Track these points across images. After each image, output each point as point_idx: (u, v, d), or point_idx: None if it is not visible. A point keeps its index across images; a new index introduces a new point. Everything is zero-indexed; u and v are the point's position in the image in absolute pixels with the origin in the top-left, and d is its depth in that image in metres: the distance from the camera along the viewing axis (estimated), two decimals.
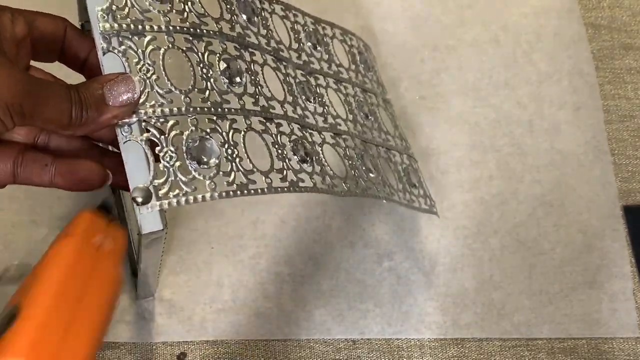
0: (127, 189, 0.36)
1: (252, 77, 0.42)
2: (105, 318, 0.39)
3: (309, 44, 0.50)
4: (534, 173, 0.62)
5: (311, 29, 0.51)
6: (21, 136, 0.39)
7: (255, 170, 0.39)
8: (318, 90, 0.49)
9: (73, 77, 0.39)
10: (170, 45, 0.39)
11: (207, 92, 0.39)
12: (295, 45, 0.48)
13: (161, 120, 0.37)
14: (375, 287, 0.56)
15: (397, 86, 0.64)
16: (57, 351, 0.33)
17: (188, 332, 0.53)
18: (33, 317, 0.34)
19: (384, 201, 0.49)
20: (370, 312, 0.55)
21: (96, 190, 0.39)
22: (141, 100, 0.36)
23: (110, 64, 0.37)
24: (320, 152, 0.45)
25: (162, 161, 0.36)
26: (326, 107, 0.48)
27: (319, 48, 0.51)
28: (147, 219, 0.36)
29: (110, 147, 0.42)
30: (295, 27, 0.49)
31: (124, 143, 0.36)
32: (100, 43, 0.37)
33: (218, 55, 0.41)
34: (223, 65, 0.41)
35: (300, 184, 0.41)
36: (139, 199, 0.35)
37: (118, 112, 0.35)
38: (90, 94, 0.35)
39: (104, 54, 0.37)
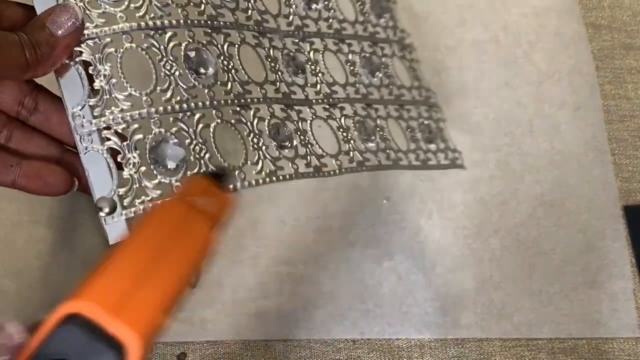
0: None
1: (225, 63, 0.40)
2: (188, 276, 0.39)
3: (303, 3, 0.47)
4: (534, 173, 0.62)
5: None
6: None
7: (227, 164, 0.38)
8: (312, 57, 0.46)
9: None
10: (129, 46, 0.37)
11: (171, 90, 0.37)
12: (285, 10, 0.46)
13: (122, 126, 0.36)
14: (375, 287, 0.56)
15: None
16: (129, 298, 0.33)
17: (188, 332, 0.53)
18: (112, 262, 0.34)
19: (389, 170, 0.47)
20: (370, 312, 0.55)
21: (61, 195, 0.40)
22: (99, 109, 0.36)
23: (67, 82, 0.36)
24: (309, 129, 0.43)
25: (125, 169, 0.35)
26: (320, 76, 0.46)
27: (315, 6, 0.48)
28: (114, 228, 0.35)
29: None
30: None
31: (84, 154, 0.35)
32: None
33: (184, 45, 0.38)
34: (190, 55, 0.39)
35: (279, 173, 0.40)
36: (105, 210, 0.34)
37: (69, 41, 0.36)
38: (36, 32, 0.35)
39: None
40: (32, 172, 0.39)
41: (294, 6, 0.46)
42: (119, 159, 0.36)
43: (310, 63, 0.46)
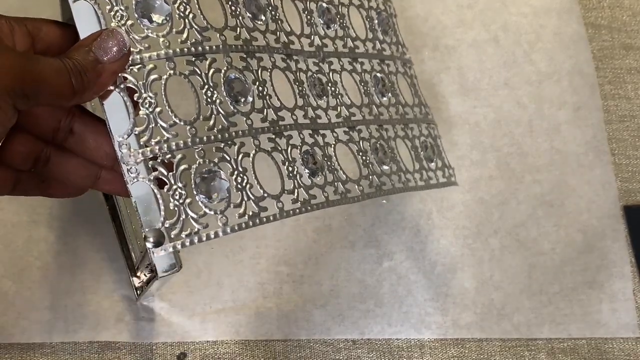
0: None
1: (260, 89, 0.40)
2: None
3: (322, 22, 0.47)
4: (534, 173, 0.62)
5: (325, 7, 0.48)
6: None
7: (266, 195, 0.38)
8: (332, 78, 0.46)
9: None
10: (172, 72, 0.36)
11: (213, 118, 0.37)
12: (307, 30, 0.46)
13: (167, 155, 0.36)
14: (375, 287, 0.56)
15: None
16: None
17: (188, 332, 0.53)
18: None
19: (397, 193, 0.47)
20: (370, 312, 0.55)
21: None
22: (146, 137, 0.35)
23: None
24: (333, 154, 0.43)
25: (171, 200, 0.35)
26: (339, 98, 0.46)
27: (332, 26, 0.48)
28: (162, 260, 0.35)
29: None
30: (309, 5, 0.46)
31: (132, 184, 0.35)
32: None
33: (223, 71, 0.38)
34: (230, 82, 0.39)
35: (313, 202, 0.40)
36: (151, 241, 0.34)
37: (115, 67, 0.35)
38: (82, 58, 0.34)
39: None
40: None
41: (314, 25, 0.46)
42: (165, 190, 0.35)
43: (330, 85, 0.46)
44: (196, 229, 0.35)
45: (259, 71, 0.41)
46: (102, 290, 0.52)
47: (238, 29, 0.40)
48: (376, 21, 0.52)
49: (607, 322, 0.57)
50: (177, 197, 0.35)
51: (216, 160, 0.37)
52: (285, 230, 0.57)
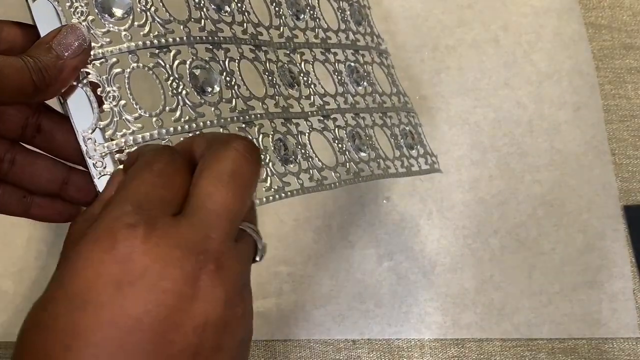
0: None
1: (228, 79, 0.40)
2: None
3: (291, 13, 0.47)
4: (534, 173, 0.62)
5: None
6: None
7: None
8: (304, 68, 0.46)
9: None
10: (135, 66, 0.36)
11: (180, 109, 0.37)
12: (276, 22, 0.46)
13: (133, 148, 0.36)
14: (375, 287, 0.56)
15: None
16: None
17: None
18: None
19: (380, 179, 0.47)
20: (370, 312, 0.55)
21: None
22: (111, 131, 0.35)
23: None
24: (308, 142, 0.44)
25: None
26: (312, 87, 0.46)
27: (302, 16, 0.48)
28: None
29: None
30: None
31: (98, 178, 0.35)
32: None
33: (189, 62, 0.38)
34: (195, 73, 0.39)
35: (287, 189, 0.40)
36: None
37: (76, 63, 0.35)
38: (42, 55, 0.34)
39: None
40: (45, 202, 0.39)
41: (283, 17, 0.46)
42: None
43: (302, 74, 0.46)
44: None
45: (227, 62, 0.41)
46: None
47: (202, 20, 0.40)
48: (348, 12, 0.52)
49: (607, 322, 0.57)
50: None
51: None
52: (285, 230, 0.57)
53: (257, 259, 0.32)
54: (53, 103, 0.38)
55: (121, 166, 0.35)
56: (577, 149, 0.63)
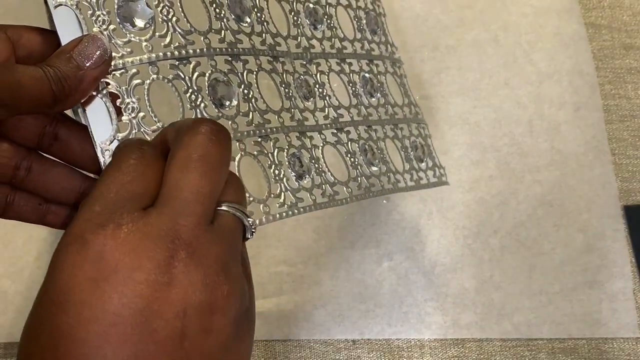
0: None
1: (246, 92, 0.40)
2: None
3: (309, 23, 0.47)
4: (534, 173, 0.62)
5: (312, 7, 0.48)
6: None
7: (252, 199, 0.38)
8: (319, 79, 0.46)
9: None
10: (155, 77, 0.36)
11: None
12: (294, 31, 0.46)
13: None
14: (375, 287, 0.56)
15: None
16: None
17: None
18: None
19: (389, 194, 0.47)
20: (370, 312, 0.55)
21: None
22: None
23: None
24: (321, 156, 0.44)
25: None
26: (327, 99, 0.46)
27: (319, 27, 0.48)
28: None
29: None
30: (295, 7, 0.46)
31: None
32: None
33: (208, 75, 0.38)
34: (215, 86, 0.38)
35: (300, 205, 0.40)
36: None
37: (96, 73, 0.34)
38: (62, 65, 0.34)
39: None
40: (61, 210, 0.38)
41: (301, 27, 0.46)
42: None
43: (317, 86, 0.45)
44: None
45: (245, 74, 0.40)
46: None
47: (222, 31, 0.40)
48: (364, 21, 0.52)
49: (607, 322, 0.57)
50: None
51: None
52: (285, 230, 0.57)
53: (248, 236, 0.33)
54: (69, 111, 0.38)
55: None
56: (577, 149, 0.63)
